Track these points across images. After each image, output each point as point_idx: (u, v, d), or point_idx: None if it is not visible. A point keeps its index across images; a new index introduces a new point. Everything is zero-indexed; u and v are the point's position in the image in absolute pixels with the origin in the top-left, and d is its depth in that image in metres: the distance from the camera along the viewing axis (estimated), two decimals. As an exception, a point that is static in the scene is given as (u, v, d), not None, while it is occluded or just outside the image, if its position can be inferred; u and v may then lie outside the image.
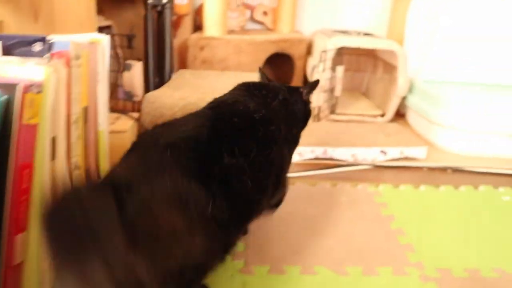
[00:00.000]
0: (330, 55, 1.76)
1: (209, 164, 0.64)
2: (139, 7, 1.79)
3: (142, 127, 1.34)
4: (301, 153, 1.44)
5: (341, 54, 1.85)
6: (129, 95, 1.46)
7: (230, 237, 0.69)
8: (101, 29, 1.66)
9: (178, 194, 0.58)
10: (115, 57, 1.49)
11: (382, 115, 1.87)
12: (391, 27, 2.15)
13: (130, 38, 1.49)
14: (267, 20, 2.20)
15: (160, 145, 0.64)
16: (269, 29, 2.21)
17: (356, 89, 2.28)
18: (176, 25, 1.96)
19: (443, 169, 1.45)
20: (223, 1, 1.79)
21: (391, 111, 1.84)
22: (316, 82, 0.98)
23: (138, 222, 0.54)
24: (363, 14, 2.24)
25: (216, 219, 0.61)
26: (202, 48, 1.82)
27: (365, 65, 2.24)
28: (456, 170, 1.45)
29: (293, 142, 0.92)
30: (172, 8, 1.76)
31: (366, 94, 2.22)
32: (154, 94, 1.36)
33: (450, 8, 1.86)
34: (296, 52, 2.00)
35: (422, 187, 1.29)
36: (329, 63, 1.77)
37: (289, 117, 0.88)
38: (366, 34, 2.01)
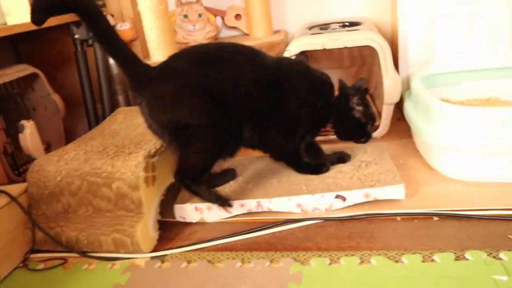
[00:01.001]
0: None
1: (210, 58, 1.01)
2: (66, 43, 1.59)
3: (32, 199, 1.12)
4: (228, 208, 1.10)
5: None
6: (31, 158, 1.25)
7: (223, 122, 1.00)
8: (24, 79, 1.49)
9: (183, 70, 0.99)
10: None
11: (377, 127, 1.42)
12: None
13: (14, 96, 1.28)
14: (241, 25, 1.85)
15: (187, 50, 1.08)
16: (245, 34, 1.86)
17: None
18: (126, 53, 1.72)
19: (428, 216, 1.00)
20: (162, 17, 1.50)
21: (383, 124, 1.39)
22: (365, 89, 1.13)
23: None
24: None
25: (207, 95, 0.98)
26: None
27: (372, 58, 1.77)
28: (445, 216, 0.99)
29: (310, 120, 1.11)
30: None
31: (374, 94, 1.75)
32: (39, 161, 1.13)
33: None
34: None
35: (373, 260, 0.87)
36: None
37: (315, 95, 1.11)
38: (352, 24, 1.56)
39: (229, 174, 1.20)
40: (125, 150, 1.09)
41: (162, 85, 0.98)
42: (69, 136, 1.69)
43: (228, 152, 1.07)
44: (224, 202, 1.07)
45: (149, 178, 1.04)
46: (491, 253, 0.84)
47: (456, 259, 0.84)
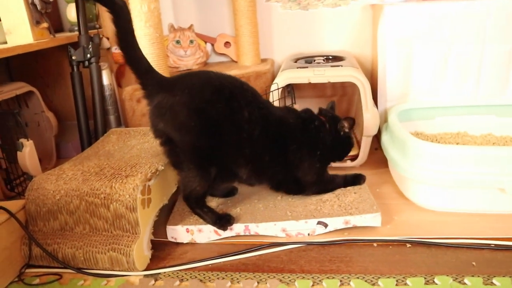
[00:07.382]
0: (276, 95, 1.46)
1: (225, 91, 1.08)
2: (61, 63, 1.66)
3: (29, 216, 1.17)
4: (218, 231, 1.17)
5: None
6: (28, 176, 1.30)
7: (210, 155, 1.10)
8: (19, 96, 1.54)
9: (192, 89, 1.07)
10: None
11: (356, 157, 1.53)
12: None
13: (15, 115, 1.33)
14: (230, 52, 1.94)
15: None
16: (234, 62, 1.95)
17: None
18: (119, 74, 1.79)
19: (401, 243, 1.10)
20: (157, 43, 1.58)
21: (362, 154, 1.50)
22: (353, 119, 1.25)
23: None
24: (341, 32, 1.89)
25: (204, 123, 1.06)
26: (139, 100, 1.62)
27: (352, 89, 1.89)
28: (417, 244, 1.09)
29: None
30: (98, 62, 1.59)
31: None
32: (38, 179, 1.18)
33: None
34: (254, 88, 1.72)
35: (352, 283, 0.96)
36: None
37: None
38: (336, 58, 1.68)
39: (230, 190, 1.30)
40: (121, 173, 1.15)
41: (168, 96, 1.06)
42: (59, 152, 1.74)
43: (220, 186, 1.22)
44: (223, 224, 1.16)
45: (145, 201, 1.11)
46: (456, 278, 0.94)
47: (426, 283, 0.94)
